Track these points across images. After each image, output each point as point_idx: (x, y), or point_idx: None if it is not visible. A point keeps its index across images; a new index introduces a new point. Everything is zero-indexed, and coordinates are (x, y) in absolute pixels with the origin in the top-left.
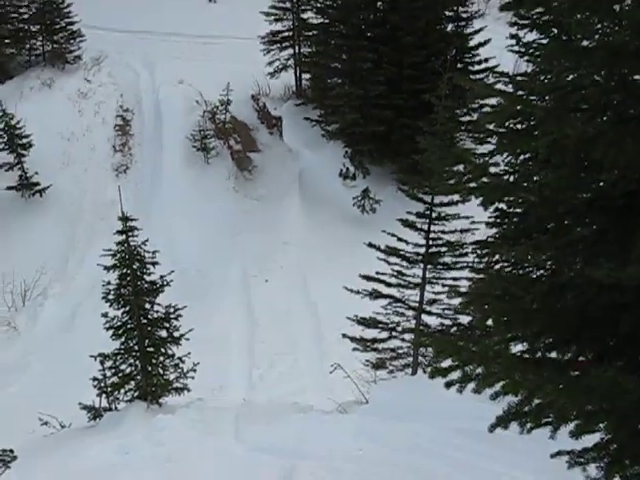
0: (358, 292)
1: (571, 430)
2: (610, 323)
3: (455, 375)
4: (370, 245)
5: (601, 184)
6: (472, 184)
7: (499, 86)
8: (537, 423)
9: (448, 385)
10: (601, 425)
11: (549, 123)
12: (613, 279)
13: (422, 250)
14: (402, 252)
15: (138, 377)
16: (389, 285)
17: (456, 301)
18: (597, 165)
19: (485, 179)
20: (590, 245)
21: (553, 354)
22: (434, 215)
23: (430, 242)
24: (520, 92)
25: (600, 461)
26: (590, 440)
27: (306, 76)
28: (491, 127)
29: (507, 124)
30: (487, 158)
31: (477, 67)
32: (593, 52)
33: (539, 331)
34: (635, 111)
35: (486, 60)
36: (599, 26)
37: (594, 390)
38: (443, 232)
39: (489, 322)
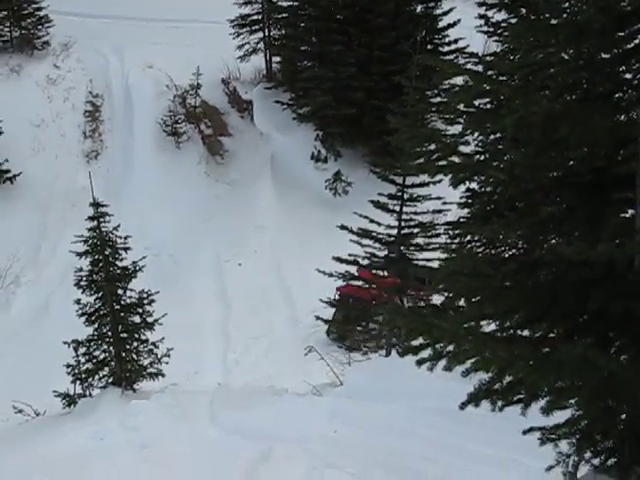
0: (331, 275)
1: (542, 406)
2: (580, 300)
3: (426, 353)
4: (342, 227)
5: (570, 162)
6: (441, 163)
7: (469, 66)
8: (508, 400)
9: (419, 363)
10: (572, 401)
11: (515, 101)
12: (583, 256)
13: (394, 231)
14: (374, 234)
15: (112, 363)
16: (362, 267)
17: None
18: (564, 142)
19: (454, 158)
20: (560, 222)
21: (524, 332)
22: (406, 196)
23: (402, 223)
24: (490, 72)
25: (571, 437)
26: (561, 416)
27: (276, 59)
28: (461, 107)
29: (476, 103)
30: (457, 138)
31: (447, 48)
32: (559, 30)
33: (509, 309)
34: (602, 89)
35: (456, 41)
36: (566, 4)
37: (564, 366)
38: (415, 213)
39: (460, 301)
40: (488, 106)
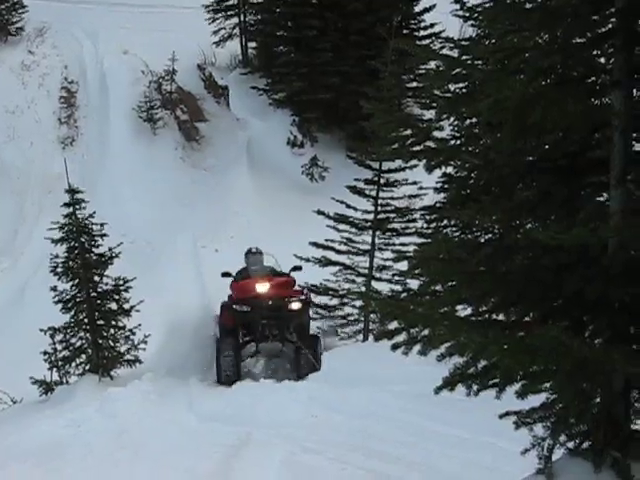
0: (308, 260)
1: (517, 390)
2: (554, 284)
3: (401, 338)
4: (319, 212)
5: (544, 146)
6: (415, 148)
7: (445, 51)
8: (483, 384)
9: (394, 347)
10: (546, 385)
11: (489, 85)
12: (557, 241)
13: (371, 217)
14: (351, 219)
15: (89, 350)
16: (339, 252)
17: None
18: (538, 127)
19: (429, 143)
20: (534, 207)
21: (500, 316)
22: (382, 181)
23: (379, 208)
24: (465, 57)
25: (546, 421)
26: (537, 400)
27: (252, 45)
28: (437, 92)
29: (452, 88)
30: (433, 123)
31: (423, 33)
32: (533, 13)
33: (484, 293)
34: (576, 73)
35: (432, 26)
36: None
37: (538, 350)
38: (392, 198)
39: (436, 286)
40: (463, 90)
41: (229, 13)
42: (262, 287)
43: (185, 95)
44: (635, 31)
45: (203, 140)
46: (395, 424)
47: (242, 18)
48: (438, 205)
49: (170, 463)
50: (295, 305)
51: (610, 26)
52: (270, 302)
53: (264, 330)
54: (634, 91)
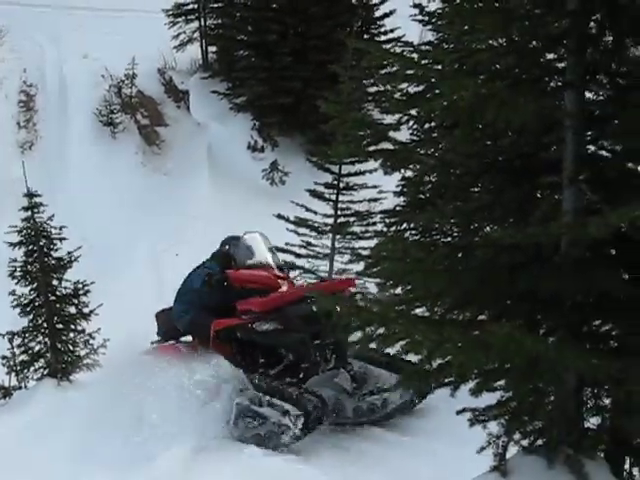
0: None
1: (471, 388)
2: (509, 283)
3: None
4: (279, 216)
5: (498, 147)
6: (371, 148)
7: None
8: (438, 382)
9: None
10: (500, 383)
11: (443, 85)
12: (512, 240)
13: (331, 220)
14: (311, 223)
15: (48, 354)
16: (299, 256)
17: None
18: (492, 127)
19: (386, 144)
20: (490, 208)
21: (455, 315)
22: (342, 185)
23: (338, 212)
24: (424, 61)
25: (501, 418)
26: (493, 397)
27: (213, 49)
28: (397, 96)
29: (408, 90)
30: (395, 126)
31: (383, 37)
32: (486, 15)
33: (439, 292)
34: (530, 75)
35: (392, 30)
36: None
37: (492, 348)
38: (351, 202)
39: (394, 287)
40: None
41: (189, 17)
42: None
43: (145, 99)
44: (587, 33)
45: (163, 144)
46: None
47: (202, 22)
48: (398, 209)
49: (129, 465)
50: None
51: (563, 28)
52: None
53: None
54: (586, 92)
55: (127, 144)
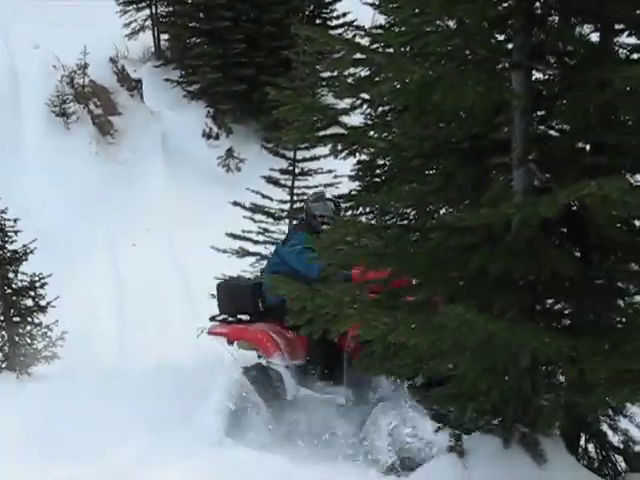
0: (225, 251)
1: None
2: (460, 264)
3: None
4: (235, 203)
5: (447, 129)
6: (321, 133)
7: (357, 39)
8: (396, 368)
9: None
10: (454, 363)
11: (390, 68)
12: (464, 221)
13: (287, 206)
14: (267, 209)
15: (5, 348)
16: (256, 242)
17: None
18: (440, 109)
19: (336, 128)
20: (442, 190)
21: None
22: (297, 171)
23: (294, 198)
24: (375, 44)
25: (457, 399)
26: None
27: (165, 37)
28: (349, 80)
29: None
30: (349, 110)
31: (335, 22)
32: None
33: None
34: (477, 56)
35: (344, 15)
36: None
37: (445, 328)
38: (307, 187)
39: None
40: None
41: (140, 5)
42: None
43: (98, 89)
44: (533, 12)
45: (117, 134)
46: None
47: (154, 10)
48: (353, 193)
49: (89, 456)
50: None
51: (508, 8)
52: None
53: None
54: (534, 72)
55: (81, 134)
